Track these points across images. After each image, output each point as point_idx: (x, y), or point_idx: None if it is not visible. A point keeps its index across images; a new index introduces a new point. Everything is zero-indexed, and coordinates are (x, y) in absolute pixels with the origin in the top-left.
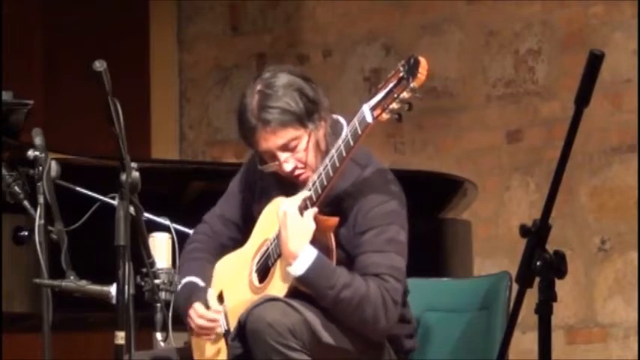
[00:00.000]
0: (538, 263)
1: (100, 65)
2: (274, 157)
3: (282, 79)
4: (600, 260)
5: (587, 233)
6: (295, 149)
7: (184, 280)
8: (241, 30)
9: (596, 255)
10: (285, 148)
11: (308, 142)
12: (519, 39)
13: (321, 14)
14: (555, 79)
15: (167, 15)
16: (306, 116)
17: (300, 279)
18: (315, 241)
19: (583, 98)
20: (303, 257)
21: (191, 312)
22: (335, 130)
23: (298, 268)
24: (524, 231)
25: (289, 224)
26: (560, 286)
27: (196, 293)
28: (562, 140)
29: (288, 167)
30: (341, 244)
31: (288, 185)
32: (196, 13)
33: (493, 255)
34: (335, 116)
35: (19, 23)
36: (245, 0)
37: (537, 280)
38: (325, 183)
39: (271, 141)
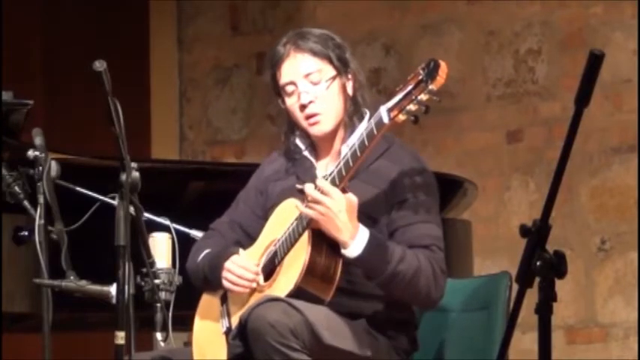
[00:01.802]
0: (538, 263)
1: (100, 65)
2: (294, 92)
3: (322, 30)
4: (600, 260)
5: (587, 233)
6: (317, 83)
7: (203, 253)
8: (241, 30)
9: (596, 255)
10: (307, 77)
11: (332, 79)
12: (519, 39)
13: (321, 14)
14: (555, 79)
15: (167, 15)
16: (336, 59)
17: (357, 260)
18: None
19: (583, 98)
20: (358, 238)
21: (229, 265)
22: (360, 114)
23: (355, 249)
24: (524, 231)
25: (332, 209)
26: (560, 286)
27: (225, 252)
28: (562, 140)
29: (304, 99)
30: (369, 213)
31: (301, 189)
32: (196, 13)
33: (493, 255)
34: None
35: (19, 23)
36: (245, 0)
37: (537, 280)
38: (337, 182)
39: (298, 65)
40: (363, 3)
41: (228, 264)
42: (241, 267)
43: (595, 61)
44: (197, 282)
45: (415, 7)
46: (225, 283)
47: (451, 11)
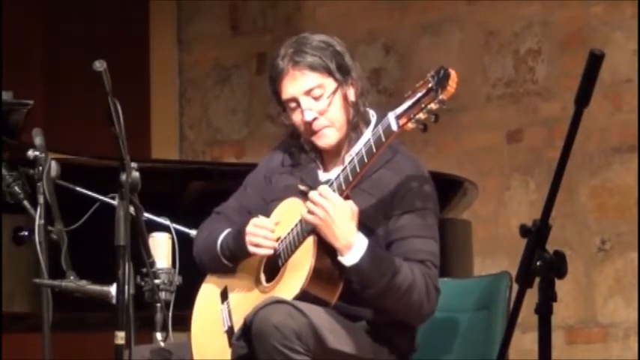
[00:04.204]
0: (538, 263)
1: (100, 65)
2: (297, 107)
3: (320, 37)
4: (600, 260)
5: (587, 233)
6: (319, 98)
7: (223, 234)
8: (241, 30)
9: (596, 255)
10: (309, 93)
11: (334, 93)
12: (519, 39)
13: (321, 14)
14: (555, 79)
15: (167, 15)
16: (336, 69)
17: (353, 268)
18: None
19: (583, 98)
20: (355, 247)
21: (251, 229)
22: (365, 119)
23: (351, 257)
24: (524, 231)
25: (331, 215)
26: (560, 286)
27: (244, 225)
28: (562, 140)
29: (308, 116)
30: (366, 223)
31: (302, 191)
32: (196, 13)
33: (493, 255)
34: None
35: (19, 23)
36: (245, 0)
37: (537, 280)
38: (344, 187)
39: (298, 83)
40: (363, 3)
41: (250, 228)
42: (264, 227)
43: (595, 61)
44: (213, 264)
45: (415, 7)
46: (252, 248)
47: (451, 11)
